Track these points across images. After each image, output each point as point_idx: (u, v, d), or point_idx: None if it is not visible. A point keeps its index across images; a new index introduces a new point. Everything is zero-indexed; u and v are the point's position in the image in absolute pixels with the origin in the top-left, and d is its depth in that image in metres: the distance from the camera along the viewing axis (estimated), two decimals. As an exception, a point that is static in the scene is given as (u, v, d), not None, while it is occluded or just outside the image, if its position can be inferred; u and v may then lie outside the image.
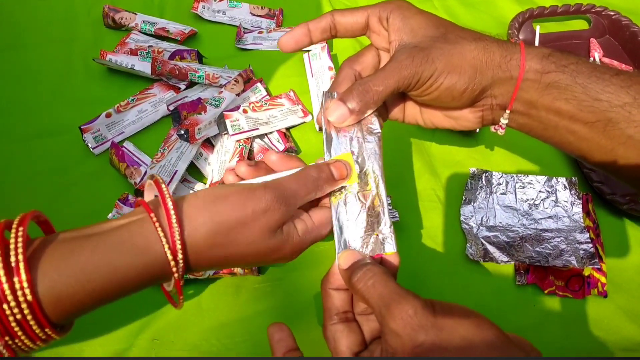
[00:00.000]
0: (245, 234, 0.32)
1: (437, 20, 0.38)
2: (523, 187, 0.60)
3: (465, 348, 0.27)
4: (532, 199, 0.59)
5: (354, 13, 0.40)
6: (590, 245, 0.54)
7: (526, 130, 0.40)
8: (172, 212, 0.30)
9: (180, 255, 0.30)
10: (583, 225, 0.56)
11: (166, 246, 0.30)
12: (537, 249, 0.54)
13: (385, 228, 0.37)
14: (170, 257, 0.30)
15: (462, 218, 0.58)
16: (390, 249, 0.36)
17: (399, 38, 0.37)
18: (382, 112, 0.43)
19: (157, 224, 0.30)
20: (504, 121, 0.39)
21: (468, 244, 0.55)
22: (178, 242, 0.30)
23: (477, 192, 0.60)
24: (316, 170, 0.36)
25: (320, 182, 0.36)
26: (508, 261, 0.53)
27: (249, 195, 0.33)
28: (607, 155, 0.37)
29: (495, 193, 0.60)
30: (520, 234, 0.56)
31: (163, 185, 0.32)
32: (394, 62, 0.36)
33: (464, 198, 0.60)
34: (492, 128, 0.42)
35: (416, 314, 0.28)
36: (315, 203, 0.39)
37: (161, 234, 0.30)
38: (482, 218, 0.58)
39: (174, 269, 0.31)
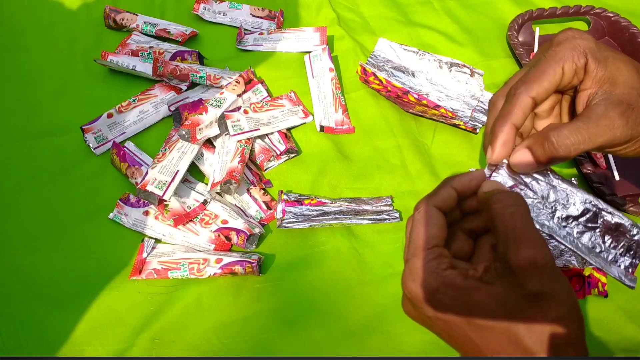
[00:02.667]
0: None
1: (631, 62, 0.33)
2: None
3: (558, 330, 0.26)
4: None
5: (548, 76, 0.33)
6: (591, 245, 0.54)
7: None
8: None
9: None
10: (583, 225, 0.56)
11: None
12: (538, 249, 0.54)
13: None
14: None
15: (462, 218, 0.58)
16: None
17: (597, 87, 0.32)
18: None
19: None
20: None
21: (468, 244, 0.55)
22: None
23: (478, 193, 0.60)
24: None
25: None
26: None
27: None
28: None
29: (495, 193, 0.60)
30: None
31: None
32: (605, 119, 0.31)
33: (464, 198, 0.60)
34: None
35: (544, 269, 0.27)
36: None
37: None
38: (482, 218, 0.58)
39: None
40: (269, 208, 0.60)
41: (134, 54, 0.74)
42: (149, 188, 0.56)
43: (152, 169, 0.59)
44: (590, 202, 0.34)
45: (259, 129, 0.63)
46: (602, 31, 0.81)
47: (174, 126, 0.65)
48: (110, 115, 0.66)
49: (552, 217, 0.34)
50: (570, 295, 0.28)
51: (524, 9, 0.82)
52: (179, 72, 0.68)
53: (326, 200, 0.59)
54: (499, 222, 0.29)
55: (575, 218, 0.34)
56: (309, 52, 0.75)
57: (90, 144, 0.64)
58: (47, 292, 0.54)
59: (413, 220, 0.32)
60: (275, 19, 0.83)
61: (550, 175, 0.34)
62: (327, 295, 0.53)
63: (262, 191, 0.61)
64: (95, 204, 0.60)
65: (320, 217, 0.57)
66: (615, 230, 0.34)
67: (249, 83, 0.70)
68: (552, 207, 0.34)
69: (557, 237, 0.33)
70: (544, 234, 0.32)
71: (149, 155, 0.63)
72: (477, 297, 0.28)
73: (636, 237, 0.34)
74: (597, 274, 0.53)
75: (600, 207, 0.34)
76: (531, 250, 0.27)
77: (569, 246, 0.33)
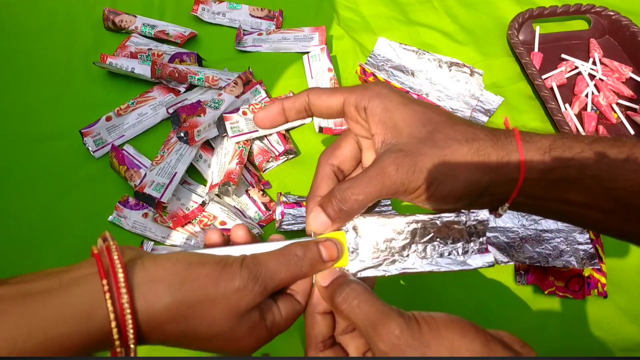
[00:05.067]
0: (210, 312, 0.29)
1: (422, 112, 0.33)
2: (523, 188, 0.60)
3: None
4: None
5: (330, 96, 0.35)
6: (590, 245, 0.54)
7: (532, 213, 0.38)
8: (122, 284, 0.27)
9: (130, 326, 0.27)
10: (583, 225, 0.56)
11: (112, 315, 0.27)
12: (537, 249, 0.54)
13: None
14: (114, 326, 0.27)
15: (461, 219, 0.58)
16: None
17: (382, 134, 0.33)
18: None
19: (106, 288, 0.27)
20: (502, 212, 0.36)
21: (467, 245, 0.55)
22: (127, 311, 0.27)
23: (477, 193, 0.60)
24: (302, 248, 0.33)
25: (305, 264, 0.32)
26: (508, 262, 0.53)
27: (224, 270, 0.30)
28: (630, 235, 0.35)
29: (494, 194, 0.60)
30: (520, 235, 0.56)
31: (113, 248, 0.29)
32: (377, 168, 0.32)
33: (463, 199, 0.59)
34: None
35: (402, 334, 0.28)
36: (284, 290, 0.34)
37: (109, 302, 0.27)
38: (481, 219, 0.58)
39: (117, 342, 0.27)
40: (267, 209, 0.60)
41: (133, 56, 0.74)
42: (147, 191, 0.56)
43: (150, 171, 0.59)
44: (413, 222, 0.34)
45: (257, 130, 0.63)
46: (602, 30, 0.80)
47: (173, 128, 0.65)
48: (109, 119, 0.66)
49: (392, 256, 0.34)
50: (449, 318, 0.29)
51: (525, 8, 0.82)
52: (177, 75, 0.68)
53: (325, 202, 0.59)
54: (354, 320, 0.30)
55: (410, 242, 0.34)
56: (308, 53, 0.75)
57: (90, 148, 0.64)
58: (47, 295, 0.54)
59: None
60: (275, 19, 0.83)
61: (369, 218, 0.34)
62: (326, 297, 0.53)
63: (261, 192, 0.61)
64: (94, 206, 0.60)
65: (319, 219, 0.57)
66: (449, 229, 0.34)
67: (247, 84, 0.70)
68: (386, 248, 0.34)
69: (409, 271, 0.34)
70: (403, 271, 0.34)
71: (148, 157, 0.63)
72: None
73: (468, 223, 0.34)
74: (596, 275, 0.53)
75: (423, 219, 0.34)
76: (387, 327, 0.28)
77: (425, 269, 0.34)
